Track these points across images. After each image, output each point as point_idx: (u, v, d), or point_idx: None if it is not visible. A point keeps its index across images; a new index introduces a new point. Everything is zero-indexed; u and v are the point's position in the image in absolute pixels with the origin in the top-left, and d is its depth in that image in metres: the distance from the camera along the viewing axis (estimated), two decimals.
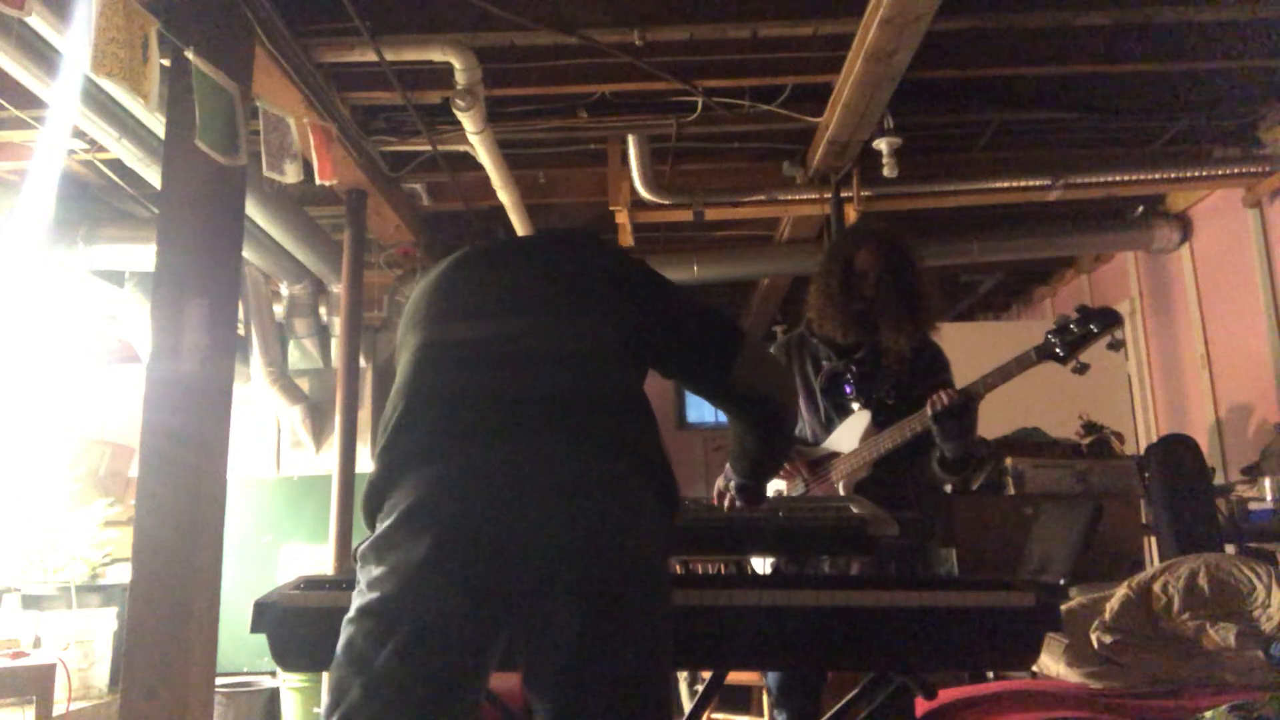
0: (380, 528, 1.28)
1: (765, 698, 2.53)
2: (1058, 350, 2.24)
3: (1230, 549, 3.55)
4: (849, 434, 2.43)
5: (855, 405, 2.46)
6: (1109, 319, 2.22)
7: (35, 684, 2.97)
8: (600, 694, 1.23)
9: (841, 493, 2.37)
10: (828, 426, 2.50)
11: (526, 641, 1.26)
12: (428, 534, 1.23)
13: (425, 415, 1.35)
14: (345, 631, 1.24)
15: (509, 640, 1.27)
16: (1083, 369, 2.25)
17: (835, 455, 2.44)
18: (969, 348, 3.30)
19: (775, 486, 2.51)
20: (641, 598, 1.27)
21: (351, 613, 1.25)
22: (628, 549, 1.27)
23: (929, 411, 2.25)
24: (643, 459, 1.36)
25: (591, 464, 1.30)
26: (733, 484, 1.87)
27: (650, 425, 1.41)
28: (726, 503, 1.97)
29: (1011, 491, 4.05)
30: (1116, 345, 2.24)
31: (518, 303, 1.46)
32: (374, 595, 1.23)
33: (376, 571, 1.25)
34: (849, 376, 2.48)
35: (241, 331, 4.93)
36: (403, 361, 1.47)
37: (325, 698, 1.22)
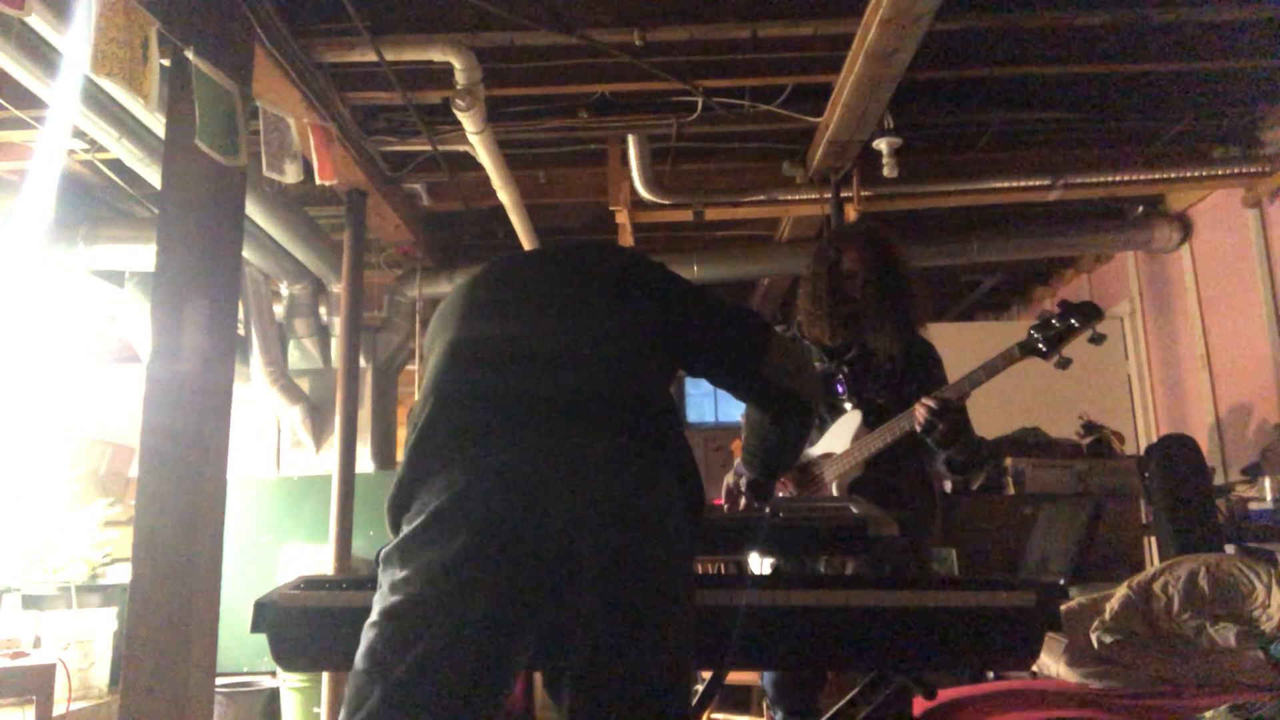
0: (409, 528, 1.27)
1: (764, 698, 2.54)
2: (1040, 346, 2.25)
3: (1230, 549, 3.55)
4: (841, 434, 2.44)
5: (847, 405, 2.47)
6: (1090, 313, 2.24)
7: (35, 684, 2.96)
8: (624, 693, 1.22)
9: (835, 493, 2.38)
10: (821, 427, 2.50)
11: (549, 641, 1.26)
12: (459, 534, 1.22)
13: (455, 413, 1.36)
14: (366, 636, 1.23)
15: (532, 643, 1.27)
16: (1065, 364, 2.26)
17: (828, 455, 2.45)
18: (969, 348, 3.30)
19: None
20: (668, 597, 1.27)
21: (374, 616, 1.24)
22: (658, 548, 1.28)
23: (916, 428, 2.26)
24: (671, 458, 1.38)
25: (623, 462, 1.31)
26: (744, 480, 1.87)
27: (677, 424, 1.43)
28: (737, 500, 1.97)
29: (1011, 491, 4.05)
30: (1098, 339, 2.25)
31: (547, 304, 1.49)
32: (397, 598, 1.22)
33: (402, 573, 1.23)
34: (840, 377, 2.49)
35: (241, 331, 4.93)
36: (432, 361, 1.48)
37: (345, 704, 1.21)
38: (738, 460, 1.92)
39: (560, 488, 1.26)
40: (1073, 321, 2.23)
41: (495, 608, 1.21)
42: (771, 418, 1.71)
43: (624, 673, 1.22)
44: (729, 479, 2.04)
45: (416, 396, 1.48)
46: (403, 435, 1.56)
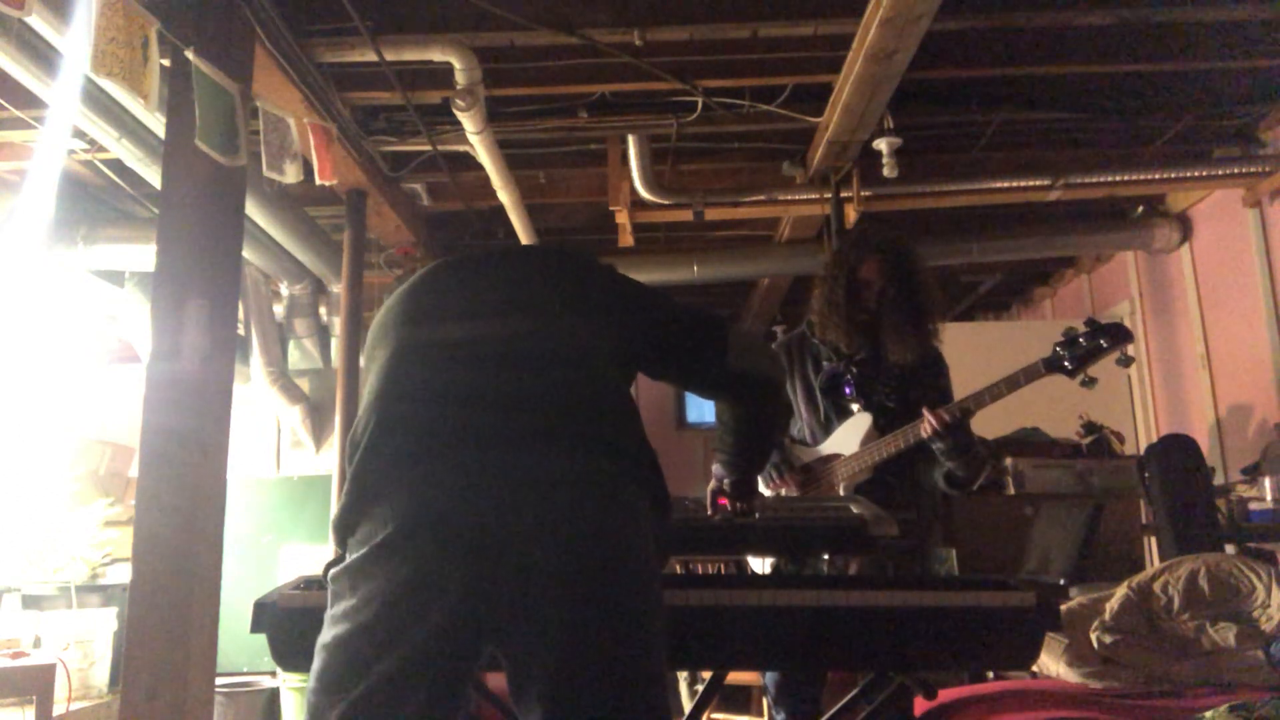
0: (358, 553, 1.24)
1: (765, 698, 2.54)
2: (1066, 364, 2.25)
3: (1230, 549, 3.55)
4: (850, 436, 2.44)
5: (855, 407, 2.47)
6: (1119, 335, 2.23)
7: (35, 684, 2.96)
8: (592, 699, 1.21)
9: (840, 493, 2.38)
10: (827, 427, 2.50)
11: (515, 649, 1.24)
12: (409, 562, 1.20)
13: (397, 430, 1.30)
14: (319, 658, 1.22)
15: (492, 653, 1.26)
16: (1090, 383, 2.25)
17: (835, 456, 2.44)
18: (969, 348, 3.31)
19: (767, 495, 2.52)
20: (634, 598, 1.25)
21: (326, 638, 1.22)
22: (627, 570, 1.25)
23: (924, 434, 2.26)
24: (632, 460, 1.33)
25: (586, 482, 1.26)
26: (727, 483, 1.84)
27: (637, 425, 1.38)
28: (717, 505, 1.93)
29: (1011, 491, 4.06)
30: (1126, 361, 2.24)
31: (496, 306, 1.42)
32: (351, 624, 1.20)
33: (353, 599, 1.21)
34: (849, 377, 2.49)
35: (241, 331, 4.94)
36: (372, 373, 1.41)
37: None
38: (715, 465, 1.88)
39: (519, 508, 1.21)
40: (1101, 342, 2.22)
41: (452, 632, 1.20)
42: (747, 408, 1.67)
43: (595, 689, 1.20)
44: (712, 485, 2.03)
45: (360, 410, 1.40)
46: None
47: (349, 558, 1.25)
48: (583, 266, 1.53)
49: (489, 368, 1.33)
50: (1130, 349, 2.25)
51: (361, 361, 1.53)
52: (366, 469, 1.29)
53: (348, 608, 1.22)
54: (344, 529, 1.29)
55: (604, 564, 1.23)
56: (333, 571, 1.27)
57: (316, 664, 1.22)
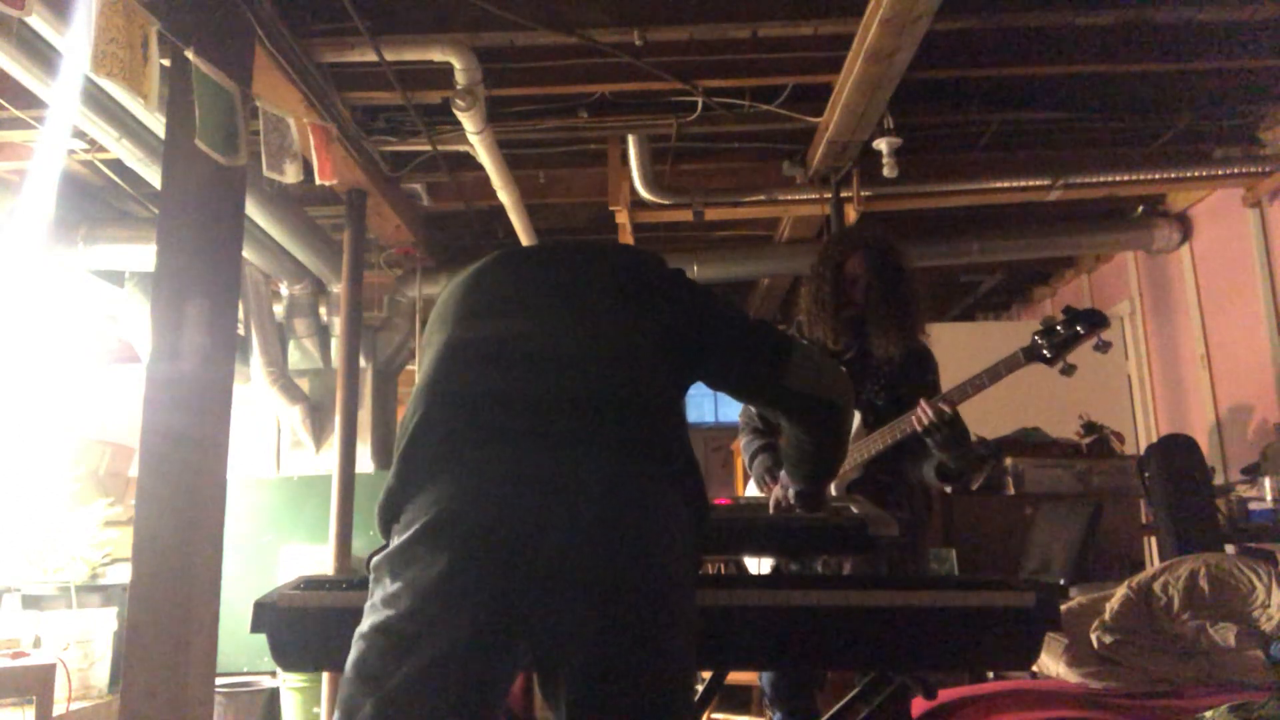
0: (397, 541, 1.25)
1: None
2: (1045, 352, 2.25)
3: (1230, 549, 3.55)
4: None
5: None
6: (1095, 320, 2.23)
7: (35, 684, 2.96)
8: (619, 703, 1.20)
9: (833, 493, 2.38)
10: None
11: (544, 651, 1.24)
12: (445, 552, 1.20)
13: (446, 420, 1.32)
14: (357, 647, 1.22)
15: (525, 652, 1.25)
16: (1070, 370, 2.26)
17: None
18: (969, 348, 3.31)
19: (752, 492, 2.53)
20: (667, 620, 1.24)
21: (364, 627, 1.22)
22: (657, 571, 1.24)
23: (917, 428, 2.26)
24: (675, 473, 1.33)
25: (621, 482, 1.26)
26: (791, 491, 1.84)
27: (680, 429, 1.38)
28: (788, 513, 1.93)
29: (1011, 491, 4.06)
30: (1103, 347, 2.25)
31: (550, 305, 1.43)
32: (389, 613, 1.20)
33: (392, 587, 1.21)
34: None
35: (241, 331, 4.93)
36: (425, 361, 1.44)
37: (335, 713, 1.21)
38: (781, 473, 1.87)
39: (554, 508, 1.22)
40: (1078, 328, 2.23)
41: (485, 626, 1.19)
42: (803, 428, 1.65)
43: (622, 695, 1.20)
44: (777, 491, 2.01)
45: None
46: None
47: (392, 543, 1.26)
48: (646, 269, 1.53)
49: (535, 368, 1.35)
50: (1106, 334, 2.25)
51: (423, 340, 1.55)
52: (411, 456, 1.31)
53: (387, 594, 1.22)
54: (388, 513, 1.32)
55: (634, 569, 1.22)
56: (375, 559, 1.27)
57: (354, 653, 1.22)
